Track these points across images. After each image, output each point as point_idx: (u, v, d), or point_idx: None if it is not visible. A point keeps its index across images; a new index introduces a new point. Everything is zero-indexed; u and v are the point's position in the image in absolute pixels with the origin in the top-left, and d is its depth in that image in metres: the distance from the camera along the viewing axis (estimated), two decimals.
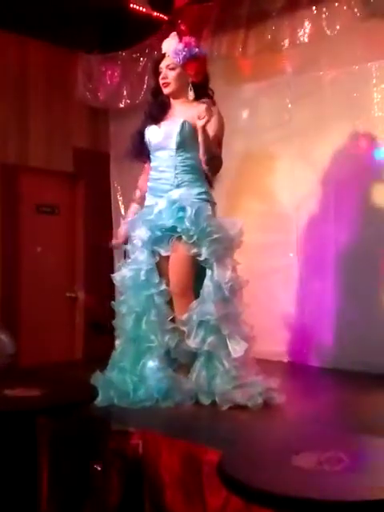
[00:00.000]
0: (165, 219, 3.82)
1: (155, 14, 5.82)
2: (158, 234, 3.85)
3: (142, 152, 4.11)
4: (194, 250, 3.78)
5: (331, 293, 5.06)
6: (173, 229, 3.81)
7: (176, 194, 3.86)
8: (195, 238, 3.76)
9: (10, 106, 5.95)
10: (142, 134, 4.07)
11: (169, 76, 3.96)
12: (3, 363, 4.86)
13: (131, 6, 5.77)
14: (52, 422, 3.19)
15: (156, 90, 4.11)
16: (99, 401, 3.51)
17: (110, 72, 6.24)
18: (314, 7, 4.85)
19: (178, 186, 3.89)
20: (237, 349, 3.68)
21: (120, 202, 6.41)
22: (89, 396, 3.29)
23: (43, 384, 3.43)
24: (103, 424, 3.20)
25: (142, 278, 3.84)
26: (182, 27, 5.02)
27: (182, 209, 3.79)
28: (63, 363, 5.57)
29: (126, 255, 4.12)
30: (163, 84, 3.99)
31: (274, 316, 5.21)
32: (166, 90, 4.00)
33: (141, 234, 3.90)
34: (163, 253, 3.86)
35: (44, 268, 6.15)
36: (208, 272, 3.79)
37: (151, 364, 3.74)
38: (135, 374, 3.75)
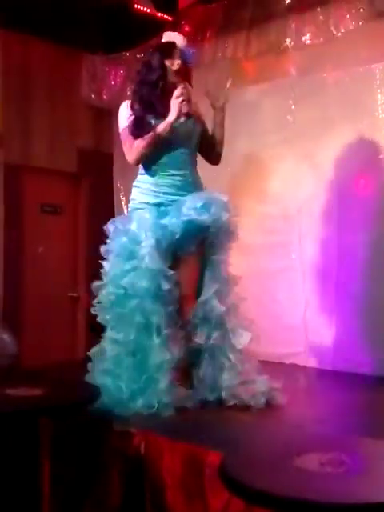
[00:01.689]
0: (196, 218, 3.63)
1: (159, 14, 5.84)
2: (180, 234, 3.65)
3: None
4: (210, 249, 3.76)
5: (333, 294, 5.06)
6: (201, 228, 3.67)
7: (201, 192, 3.80)
8: (216, 235, 3.73)
9: (14, 106, 5.95)
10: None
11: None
12: (5, 363, 4.86)
13: (135, 6, 5.79)
14: (54, 422, 3.19)
15: (164, 71, 3.76)
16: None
17: (114, 72, 6.26)
18: (318, 9, 4.86)
19: (194, 183, 3.82)
20: (241, 340, 3.67)
21: (123, 202, 6.40)
22: (91, 396, 3.30)
23: (45, 384, 3.43)
24: (105, 424, 3.20)
25: (153, 286, 3.58)
26: (187, 28, 5.02)
27: (208, 207, 3.68)
28: (65, 363, 5.57)
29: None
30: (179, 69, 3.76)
31: (276, 317, 5.21)
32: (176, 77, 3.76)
33: (158, 235, 3.64)
34: (183, 254, 3.70)
35: (47, 268, 6.16)
36: (211, 266, 3.77)
37: (165, 382, 3.49)
38: (134, 383, 3.53)
